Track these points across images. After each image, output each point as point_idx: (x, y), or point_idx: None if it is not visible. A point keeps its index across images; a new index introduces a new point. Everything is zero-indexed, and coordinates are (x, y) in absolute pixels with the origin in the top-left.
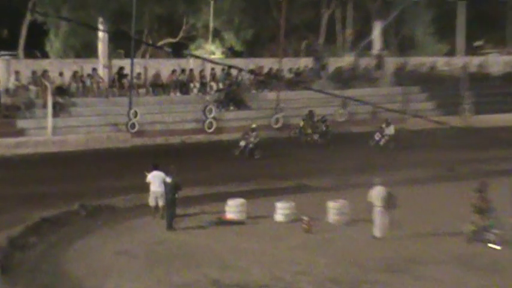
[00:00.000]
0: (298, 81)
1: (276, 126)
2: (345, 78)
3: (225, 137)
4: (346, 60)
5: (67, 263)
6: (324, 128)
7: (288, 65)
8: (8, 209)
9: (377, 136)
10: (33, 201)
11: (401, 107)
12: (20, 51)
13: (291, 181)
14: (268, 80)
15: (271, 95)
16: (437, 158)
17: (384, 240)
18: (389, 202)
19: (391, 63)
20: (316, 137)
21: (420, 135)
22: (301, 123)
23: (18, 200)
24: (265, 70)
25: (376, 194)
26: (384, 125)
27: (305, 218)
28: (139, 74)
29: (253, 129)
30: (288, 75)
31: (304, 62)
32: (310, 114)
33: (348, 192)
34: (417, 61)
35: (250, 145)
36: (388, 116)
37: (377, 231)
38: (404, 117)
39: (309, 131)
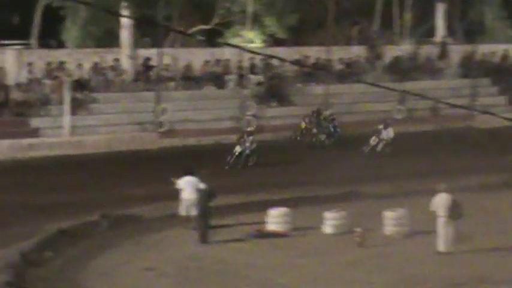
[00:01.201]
0: (349, 73)
1: (388, 122)
2: (403, 70)
3: (265, 136)
4: (404, 49)
5: (87, 280)
6: (332, 129)
7: (338, 54)
8: (21, 219)
9: (373, 140)
10: (48, 210)
11: (468, 102)
12: (33, 40)
13: (341, 188)
14: (315, 72)
15: (318, 88)
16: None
17: (449, 255)
18: (454, 211)
19: (457, 51)
20: (322, 137)
21: (490, 134)
22: (303, 125)
23: (31, 209)
24: (312, 60)
25: (440, 202)
26: (381, 127)
27: (358, 229)
28: (168, 65)
29: (249, 133)
30: (337, 66)
31: (356, 51)
32: (317, 112)
33: (406, 200)
34: (487, 49)
35: (247, 151)
36: (385, 118)
37: (441, 245)
38: (472, 113)
39: (314, 130)
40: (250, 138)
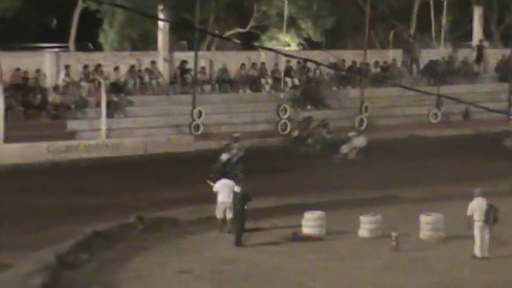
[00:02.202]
0: (385, 76)
1: (360, 129)
2: (440, 73)
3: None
4: (441, 53)
5: (122, 283)
6: (327, 135)
7: (374, 58)
8: (56, 222)
9: (345, 149)
10: (84, 213)
11: (505, 107)
12: (71, 43)
13: (375, 191)
14: (351, 76)
15: (354, 92)
16: None
17: (485, 261)
18: (490, 216)
19: (494, 55)
20: (318, 147)
21: None
22: (296, 133)
23: (67, 211)
24: (348, 64)
25: (477, 206)
26: (352, 134)
27: (394, 233)
28: (204, 68)
29: (236, 139)
30: (373, 70)
31: (393, 55)
32: (307, 121)
33: (441, 204)
34: None
35: (234, 159)
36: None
37: (477, 250)
38: (509, 118)
39: (310, 140)
40: (237, 145)
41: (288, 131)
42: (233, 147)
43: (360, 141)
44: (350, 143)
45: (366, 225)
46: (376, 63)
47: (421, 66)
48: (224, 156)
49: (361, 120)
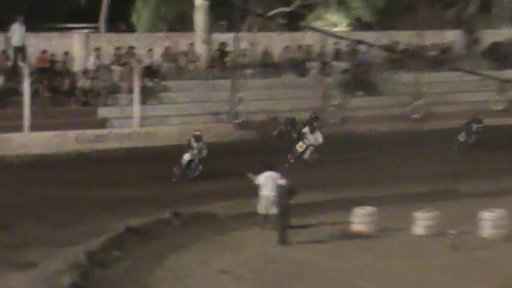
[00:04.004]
0: (443, 59)
1: (415, 117)
2: (503, 56)
3: (351, 128)
4: (504, 33)
5: (157, 283)
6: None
7: (431, 39)
8: (87, 217)
9: (300, 147)
10: (116, 207)
11: None
12: (101, 23)
13: (430, 185)
14: (405, 59)
15: (408, 77)
16: None
17: None
18: None
19: None
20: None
21: None
22: (282, 127)
23: (98, 205)
24: (402, 46)
25: None
26: (305, 130)
27: (451, 231)
28: (244, 51)
29: (197, 138)
30: (430, 52)
31: (451, 36)
32: (291, 122)
33: (504, 199)
34: None
35: (196, 160)
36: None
37: None
38: None
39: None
40: (199, 144)
41: (336, 119)
42: (195, 147)
43: (315, 139)
44: (305, 140)
45: (421, 221)
46: (433, 45)
47: (483, 48)
48: (186, 157)
49: (416, 108)
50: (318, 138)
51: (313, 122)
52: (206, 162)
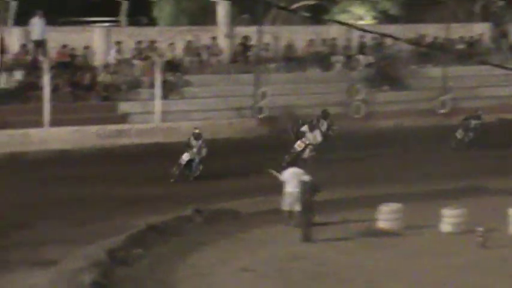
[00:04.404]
0: (471, 53)
1: (442, 111)
2: None
3: (376, 124)
4: None
5: (179, 281)
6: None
7: (458, 32)
8: (106, 214)
9: (299, 146)
10: (137, 204)
11: None
12: (122, 17)
13: (461, 181)
14: (432, 52)
15: (435, 71)
16: None
17: None
18: None
19: None
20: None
21: None
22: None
23: (118, 202)
24: (429, 39)
25: None
26: (304, 129)
27: (480, 228)
28: (268, 44)
29: (196, 136)
30: (458, 46)
31: (480, 29)
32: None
33: None
34: None
35: (196, 160)
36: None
37: None
38: None
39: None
40: (199, 143)
41: (361, 114)
42: (194, 145)
43: (313, 138)
44: (304, 138)
45: (448, 218)
46: (461, 39)
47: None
48: (185, 157)
49: (444, 103)
50: (316, 136)
51: (313, 121)
52: (228, 158)
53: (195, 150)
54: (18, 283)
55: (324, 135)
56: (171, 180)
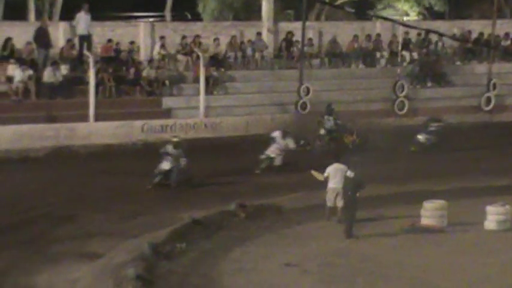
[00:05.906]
0: None
1: (487, 108)
2: None
3: (420, 120)
4: None
5: (223, 275)
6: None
7: (504, 28)
8: (151, 208)
9: (272, 152)
10: (180, 199)
11: None
12: (167, 12)
13: (507, 178)
14: (477, 49)
15: (481, 67)
16: None
17: None
18: None
19: None
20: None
21: None
22: (321, 131)
23: (162, 197)
24: (474, 36)
25: None
26: (276, 135)
27: None
28: (312, 40)
29: (176, 145)
30: (503, 42)
31: None
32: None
33: None
34: None
35: (174, 170)
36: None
37: None
38: None
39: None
40: (178, 151)
41: (405, 110)
42: (173, 154)
43: (285, 143)
44: (275, 145)
45: (493, 216)
46: (507, 35)
47: None
48: (164, 166)
49: (489, 100)
50: (288, 143)
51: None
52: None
53: (172, 158)
54: (63, 275)
55: (333, 130)
56: (148, 187)
